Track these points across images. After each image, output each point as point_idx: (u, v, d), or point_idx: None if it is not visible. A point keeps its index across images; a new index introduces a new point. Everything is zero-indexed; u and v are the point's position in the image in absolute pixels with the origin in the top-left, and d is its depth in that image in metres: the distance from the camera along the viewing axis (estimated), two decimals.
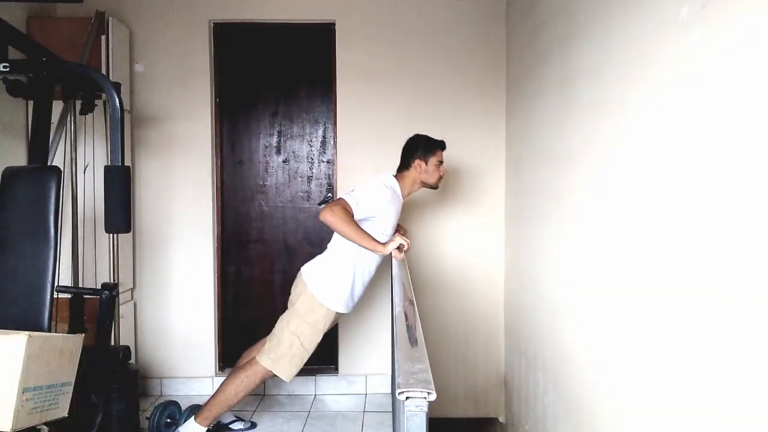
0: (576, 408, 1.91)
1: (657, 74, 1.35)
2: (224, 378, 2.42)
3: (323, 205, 2.33)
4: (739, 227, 1.03)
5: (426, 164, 2.43)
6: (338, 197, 2.26)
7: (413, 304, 1.53)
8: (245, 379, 2.33)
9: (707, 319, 1.13)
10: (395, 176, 2.45)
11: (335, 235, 2.39)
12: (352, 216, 2.20)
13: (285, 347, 2.31)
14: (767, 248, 0.96)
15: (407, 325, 1.28)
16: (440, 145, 2.48)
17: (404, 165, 2.47)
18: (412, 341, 1.14)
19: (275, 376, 2.34)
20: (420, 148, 2.44)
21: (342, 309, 2.37)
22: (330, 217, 2.15)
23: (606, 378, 1.66)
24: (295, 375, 2.36)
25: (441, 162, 2.47)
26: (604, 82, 1.68)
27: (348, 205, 2.20)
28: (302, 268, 2.42)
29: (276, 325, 2.39)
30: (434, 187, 2.50)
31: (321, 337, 2.36)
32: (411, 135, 2.55)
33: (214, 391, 2.40)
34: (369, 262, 2.38)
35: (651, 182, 1.37)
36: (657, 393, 1.34)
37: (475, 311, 3.23)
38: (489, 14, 3.14)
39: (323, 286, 2.33)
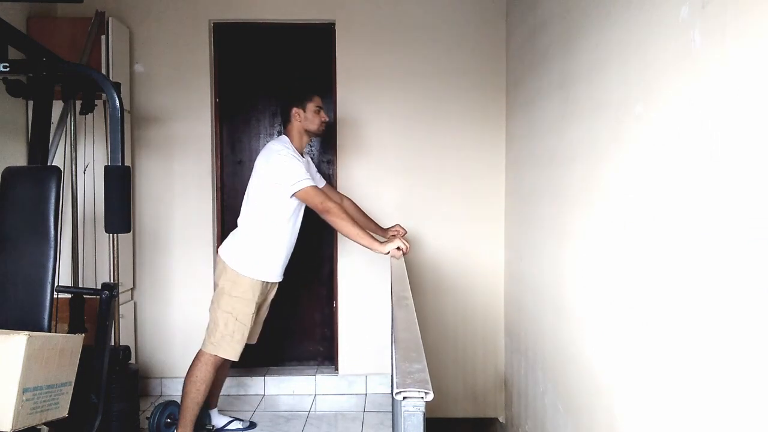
0: (576, 408, 1.91)
1: (657, 74, 1.35)
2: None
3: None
4: (738, 227, 1.03)
5: (304, 111, 2.44)
6: (296, 192, 2.28)
7: (411, 303, 1.53)
8: (198, 374, 2.35)
9: (707, 319, 1.13)
10: (285, 135, 2.47)
11: (244, 209, 2.44)
12: (323, 196, 2.30)
13: (221, 327, 2.34)
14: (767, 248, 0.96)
15: (406, 324, 1.28)
16: (315, 92, 2.50)
17: (285, 121, 2.48)
18: (410, 341, 1.14)
19: (225, 359, 2.37)
20: (295, 98, 2.46)
21: (264, 277, 2.39)
22: (332, 218, 2.28)
23: (606, 378, 1.65)
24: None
25: (320, 107, 2.48)
26: (604, 82, 1.67)
27: (313, 189, 2.29)
28: (219, 249, 2.46)
29: (209, 311, 2.42)
30: (318, 134, 2.51)
31: (254, 308, 2.38)
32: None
33: (180, 399, 2.40)
34: (284, 231, 2.40)
35: (651, 182, 1.37)
36: (657, 393, 1.34)
37: (475, 311, 3.23)
38: (489, 14, 3.14)
39: (243, 259, 2.36)
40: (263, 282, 2.39)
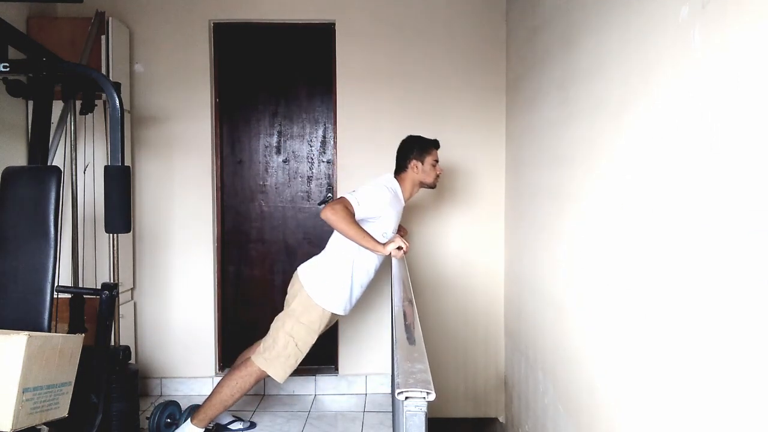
0: (576, 408, 1.91)
1: (657, 74, 1.35)
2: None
3: (323, 205, 2.33)
4: (738, 227, 1.03)
5: (422, 164, 2.43)
6: (339, 196, 2.25)
7: (412, 303, 1.53)
8: (240, 380, 2.32)
9: (707, 318, 1.13)
10: (396, 178, 2.46)
11: (333, 235, 2.39)
12: (353, 215, 2.20)
13: (280, 348, 2.31)
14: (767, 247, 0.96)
15: (406, 325, 1.28)
16: (434, 144, 2.48)
17: (401, 168, 2.47)
18: (411, 341, 1.14)
19: (269, 376, 2.34)
20: (415, 149, 2.45)
21: (338, 310, 2.37)
22: (331, 215, 2.15)
23: (606, 378, 1.65)
24: (289, 376, 2.36)
25: (437, 161, 2.47)
26: (604, 82, 1.68)
27: (349, 203, 2.21)
28: (299, 268, 2.42)
29: (271, 325, 2.39)
30: (432, 186, 2.51)
31: (316, 338, 2.35)
32: (405, 133, 2.55)
33: (210, 393, 2.40)
34: (367, 264, 2.37)
35: (651, 182, 1.37)
36: (656, 393, 1.34)
37: (476, 311, 3.23)
38: (489, 14, 3.14)
39: (319, 286, 2.33)
40: (333, 314, 2.36)
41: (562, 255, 2.09)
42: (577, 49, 1.92)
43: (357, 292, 2.41)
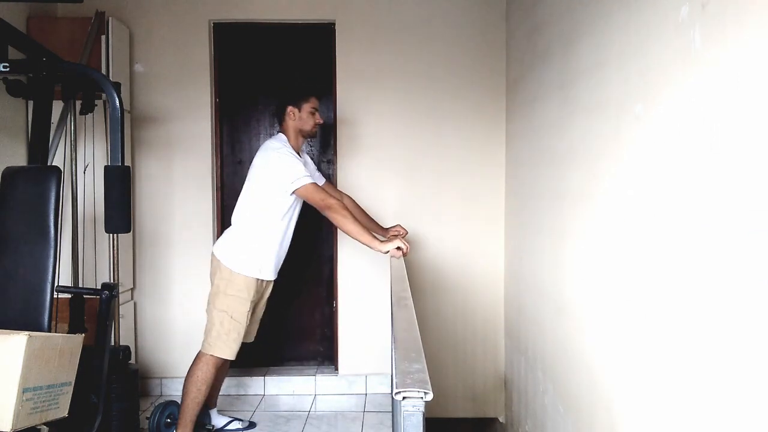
0: (576, 408, 1.91)
1: (657, 74, 1.35)
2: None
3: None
4: (738, 226, 1.03)
5: (299, 111, 2.44)
6: (296, 189, 2.29)
7: (411, 303, 1.53)
8: (199, 373, 2.35)
9: (707, 317, 1.13)
10: (282, 134, 2.47)
11: (238, 207, 2.44)
12: (328, 196, 2.30)
13: (217, 326, 2.34)
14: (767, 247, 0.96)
15: (405, 325, 1.28)
16: (312, 92, 2.50)
17: (280, 119, 2.48)
18: (410, 341, 1.14)
19: (224, 359, 2.37)
20: (290, 96, 2.46)
21: (259, 275, 2.39)
22: (334, 214, 2.26)
23: (606, 378, 1.65)
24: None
25: (315, 109, 2.48)
26: (604, 83, 1.67)
27: (313, 186, 2.29)
28: (213, 247, 2.47)
29: (206, 312, 2.42)
30: (311, 134, 2.51)
31: (249, 305, 2.37)
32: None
33: (181, 399, 2.40)
34: (278, 229, 2.40)
35: (651, 182, 1.37)
36: (656, 393, 1.34)
37: (475, 311, 3.23)
38: (489, 14, 3.14)
39: (235, 256, 2.36)
40: (258, 280, 2.39)
41: (562, 255, 2.09)
42: (577, 49, 1.92)
43: (274, 255, 2.42)
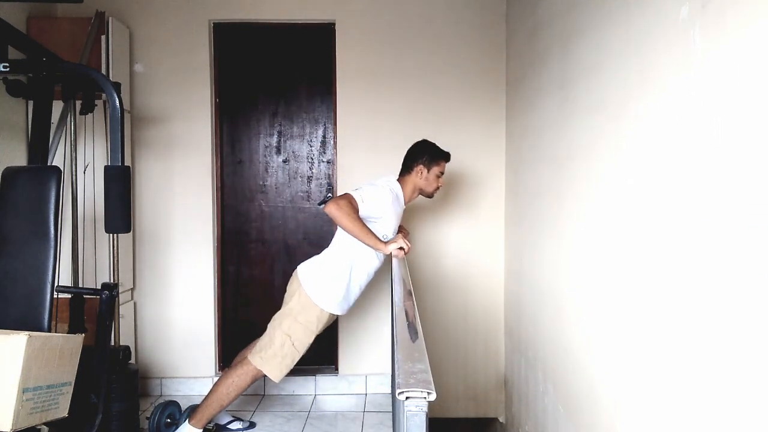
0: (576, 408, 1.91)
1: (657, 74, 1.35)
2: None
3: (323, 205, 2.33)
4: (738, 227, 1.03)
5: (428, 172, 2.43)
6: (343, 193, 2.25)
7: (413, 303, 1.53)
8: (236, 379, 2.32)
9: (707, 318, 1.13)
10: (398, 180, 2.45)
11: (336, 236, 2.39)
12: (357, 211, 2.20)
13: (276, 347, 2.30)
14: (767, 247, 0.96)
15: (407, 325, 1.28)
16: (445, 156, 2.48)
17: (406, 169, 2.46)
18: (412, 340, 1.14)
19: (266, 376, 2.34)
20: (426, 154, 2.44)
21: (336, 310, 2.36)
22: (336, 210, 2.15)
23: (606, 378, 1.65)
24: (288, 375, 2.36)
25: (442, 173, 2.47)
26: (604, 83, 1.68)
27: (354, 200, 2.21)
28: (298, 267, 2.41)
29: (269, 324, 2.39)
30: (429, 196, 2.51)
31: (313, 338, 2.35)
32: (413, 135, 2.55)
33: (207, 393, 2.39)
34: (368, 266, 2.37)
35: (651, 182, 1.37)
36: (656, 393, 1.34)
37: (476, 312, 3.23)
38: (489, 14, 3.14)
39: (318, 286, 2.32)
40: (331, 314, 2.36)
41: (563, 255, 2.09)
42: (577, 49, 1.92)
43: (355, 293, 2.41)
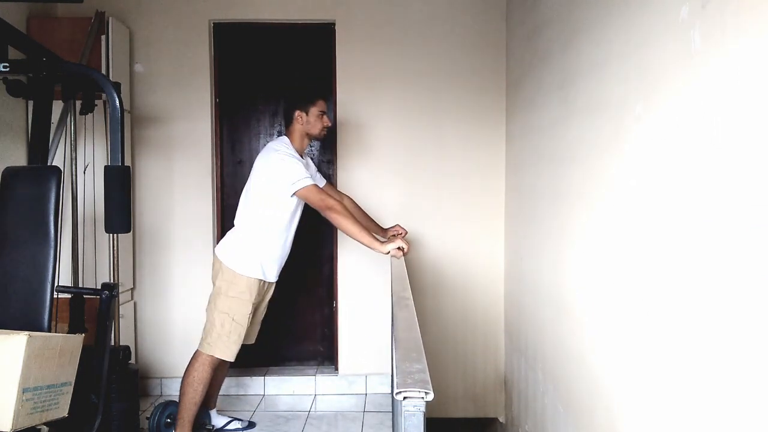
0: (576, 408, 1.91)
1: (657, 74, 1.35)
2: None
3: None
4: (738, 226, 1.03)
5: (307, 115, 2.43)
6: (296, 191, 2.29)
7: (411, 303, 1.53)
8: (197, 373, 2.35)
9: (707, 317, 1.13)
10: (286, 135, 2.46)
11: (240, 209, 2.44)
12: (323, 194, 2.30)
13: (218, 328, 2.34)
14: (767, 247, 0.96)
15: (405, 325, 1.28)
16: (320, 95, 2.49)
17: (288, 121, 2.47)
18: (410, 341, 1.14)
19: (223, 360, 2.37)
20: (299, 99, 2.45)
21: (262, 276, 2.39)
22: (334, 215, 2.26)
23: (606, 378, 1.65)
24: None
25: (323, 112, 2.47)
26: (604, 83, 1.67)
27: (313, 187, 2.29)
28: (215, 249, 2.47)
29: (206, 312, 2.42)
30: (318, 138, 2.51)
31: (251, 308, 2.37)
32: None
33: (178, 399, 2.40)
34: (280, 229, 2.39)
35: (651, 181, 1.37)
36: (656, 393, 1.34)
37: (475, 311, 3.23)
38: (489, 14, 3.14)
39: (237, 257, 2.36)
40: (260, 281, 2.39)
41: (563, 255, 2.09)
42: (577, 49, 1.92)
43: (276, 256, 2.42)
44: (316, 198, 2.29)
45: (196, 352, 2.39)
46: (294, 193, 2.30)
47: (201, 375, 2.35)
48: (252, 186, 2.41)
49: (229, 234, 2.47)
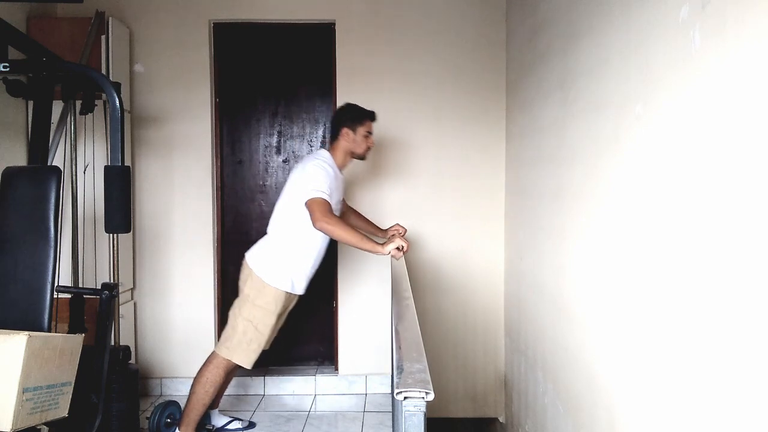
0: (576, 408, 1.91)
1: (657, 74, 1.35)
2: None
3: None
4: (738, 226, 1.03)
5: (354, 134, 2.41)
6: (308, 199, 2.22)
7: (412, 302, 1.53)
8: (209, 375, 2.34)
9: (706, 317, 1.13)
10: (328, 150, 2.45)
11: (275, 217, 2.40)
12: (331, 209, 2.22)
13: (239, 334, 2.32)
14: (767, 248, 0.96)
15: (406, 325, 1.28)
16: (369, 116, 2.46)
17: (333, 136, 2.45)
18: (411, 340, 1.14)
19: (238, 366, 2.35)
20: (348, 116, 2.43)
21: (290, 289, 2.37)
22: (328, 226, 2.17)
23: (606, 378, 1.65)
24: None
25: (370, 132, 2.45)
26: (605, 82, 1.68)
27: (325, 201, 2.21)
28: (246, 254, 2.43)
29: (229, 314, 2.40)
30: (361, 157, 2.49)
31: (275, 319, 2.36)
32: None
33: (188, 396, 2.39)
34: (312, 241, 2.36)
35: (651, 181, 1.37)
36: (656, 393, 1.34)
37: (475, 311, 3.23)
38: (489, 14, 3.14)
39: (268, 267, 2.34)
40: (288, 293, 2.37)
41: (562, 255, 2.09)
42: (577, 49, 1.92)
43: (307, 270, 2.40)
44: (319, 209, 2.18)
45: (212, 353, 2.37)
46: (306, 201, 2.22)
47: (214, 377, 2.33)
48: (286, 194, 2.37)
49: (261, 241, 2.42)
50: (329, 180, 2.28)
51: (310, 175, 2.29)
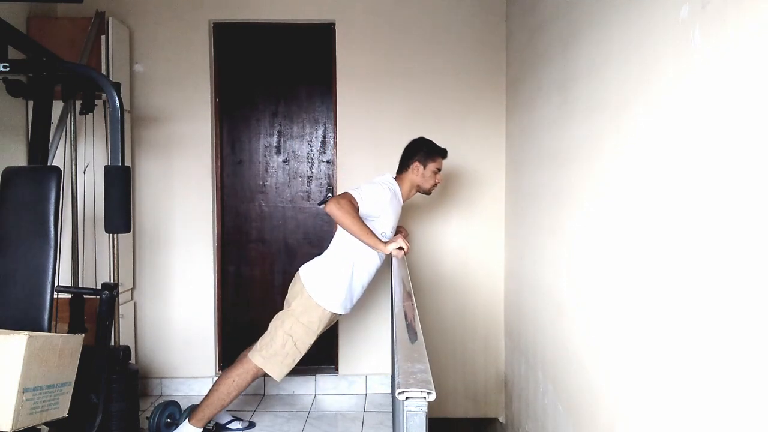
0: (576, 408, 1.91)
1: (657, 74, 1.35)
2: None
3: (323, 205, 2.33)
4: (738, 227, 1.03)
5: (424, 168, 2.42)
6: (342, 192, 2.25)
7: (413, 302, 1.53)
8: (237, 378, 2.32)
9: (706, 317, 1.13)
10: (395, 178, 2.45)
11: (336, 236, 2.39)
12: (357, 210, 2.20)
13: (278, 346, 2.30)
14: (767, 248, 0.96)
15: (407, 325, 1.28)
16: (441, 153, 2.47)
17: (403, 166, 2.47)
18: (412, 341, 1.14)
19: (267, 374, 2.34)
20: (421, 151, 2.44)
21: (339, 310, 2.36)
22: (336, 209, 2.14)
23: (606, 378, 1.66)
24: (288, 375, 2.36)
25: (439, 169, 2.47)
26: (604, 82, 1.68)
27: (354, 199, 2.20)
28: (300, 269, 2.41)
29: (270, 323, 2.39)
30: (427, 192, 2.51)
31: (314, 338, 2.35)
32: (412, 135, 2.55)
33: (208, 392, 2.39)
34: (369, 265, 2.38)
35: (651, 182, 1.37)
36: (656, 393, 1.34)
37: (475, 311, 3.23)
38: (489, 14, 3.14)
39: (320, 286, 2.32)
40: (333, 313, 2.36)
41: (563, 255, 2.09)
42: (577, 49, 1.92)
43: (358, 292, 2.41)
44: (342, 198, 2.17)
45: (245, 357, 2.36)
46: (344, 192, 2.20)
47: (241, 381, 2.32)
48: None
49: (318, 258, 2.41)
50: (381, 200, 2.27)
51: (365, 185, 2.30)
